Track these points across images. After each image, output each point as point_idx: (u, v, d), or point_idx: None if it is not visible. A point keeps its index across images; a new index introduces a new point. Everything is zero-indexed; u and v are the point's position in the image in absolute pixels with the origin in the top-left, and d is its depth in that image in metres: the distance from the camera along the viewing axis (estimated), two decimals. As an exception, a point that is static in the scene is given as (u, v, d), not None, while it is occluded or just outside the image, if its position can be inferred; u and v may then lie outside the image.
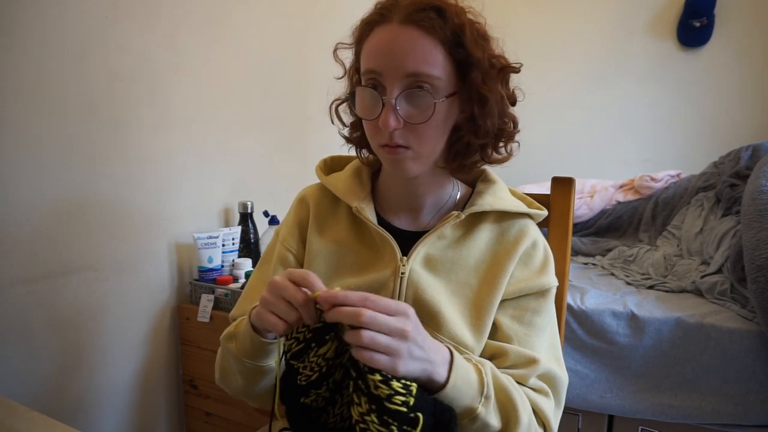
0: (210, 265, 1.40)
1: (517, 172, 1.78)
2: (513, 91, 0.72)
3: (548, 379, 0.69)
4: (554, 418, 0.68)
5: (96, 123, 1.21)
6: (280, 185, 1.78)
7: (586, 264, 1.93)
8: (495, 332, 0.70)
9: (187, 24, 1.40)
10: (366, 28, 0.68)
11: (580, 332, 1.41)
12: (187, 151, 1.43)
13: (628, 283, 1.64)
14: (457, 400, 0.58)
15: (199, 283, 1.40)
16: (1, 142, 1.05)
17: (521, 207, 0.75)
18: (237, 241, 1.50)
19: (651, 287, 1.59)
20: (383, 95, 0.65)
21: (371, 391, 0.53)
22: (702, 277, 1.54)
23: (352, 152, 0.82)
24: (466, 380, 0.59)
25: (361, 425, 0.54)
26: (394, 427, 0.52)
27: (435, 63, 0.63)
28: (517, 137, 0.74)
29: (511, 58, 0.70)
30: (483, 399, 0.59)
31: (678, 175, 2.13)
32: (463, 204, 0.77)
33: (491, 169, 0.80)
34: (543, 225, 0.84)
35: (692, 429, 1.33)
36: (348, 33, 0.72)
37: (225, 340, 0.72)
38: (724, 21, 2.29)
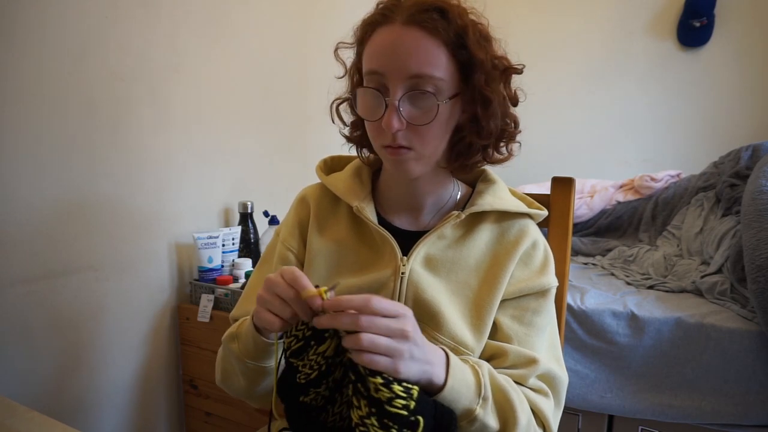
0: (210, 265, 1.40)
1: (517, 172, 1.78)
2: (515, 92, 0.71)
3: (548, 379, 0.69)
4: (554, 418, 0.68)
5: (96, 123, 1.21)
6: (280, 185, 1.78)
7: (586, 264, 1.92)
8: (495, 332, 0.70)
9: (187, 24, 1.40)
10: (368, 29, 0.68)
11: (580, 332, 1.41)
12: (187, 151, 1.43)
13: (628, 283, 1.64)
14: (455, 402, 0.57)
15: (199, 283, 1.40)
16: (1, 142, 1.05)
17: (521, 207, 0.75)
18: (237, 241, 1.50)
19: (651, 287, 1.59)
20: (386, 96, 0.64)
21: (371, 394, 0.53)
22: (702, 277, 1.54)
23: (353, 152, 0.82)
24: (464, 382, 0.59)
25: (361, 428, 0.54)
26: (394, 431, 0.52)
27: (438, 64, 0.63)
28: (517, 137, 0.73)
29: (513, 58, 0.70)
30: (481, 400, 0.59)
31: (678, 175, 2.13)
32: (463, 204, 0.77)
33: (491, 169, 0.80)
34: (543, 225, 0.84)
35: (692, 429, 1.33)
36: (348, 33, 0.71)
37: (227, 340, 0.72)
38: (724, 21, 2.28)
